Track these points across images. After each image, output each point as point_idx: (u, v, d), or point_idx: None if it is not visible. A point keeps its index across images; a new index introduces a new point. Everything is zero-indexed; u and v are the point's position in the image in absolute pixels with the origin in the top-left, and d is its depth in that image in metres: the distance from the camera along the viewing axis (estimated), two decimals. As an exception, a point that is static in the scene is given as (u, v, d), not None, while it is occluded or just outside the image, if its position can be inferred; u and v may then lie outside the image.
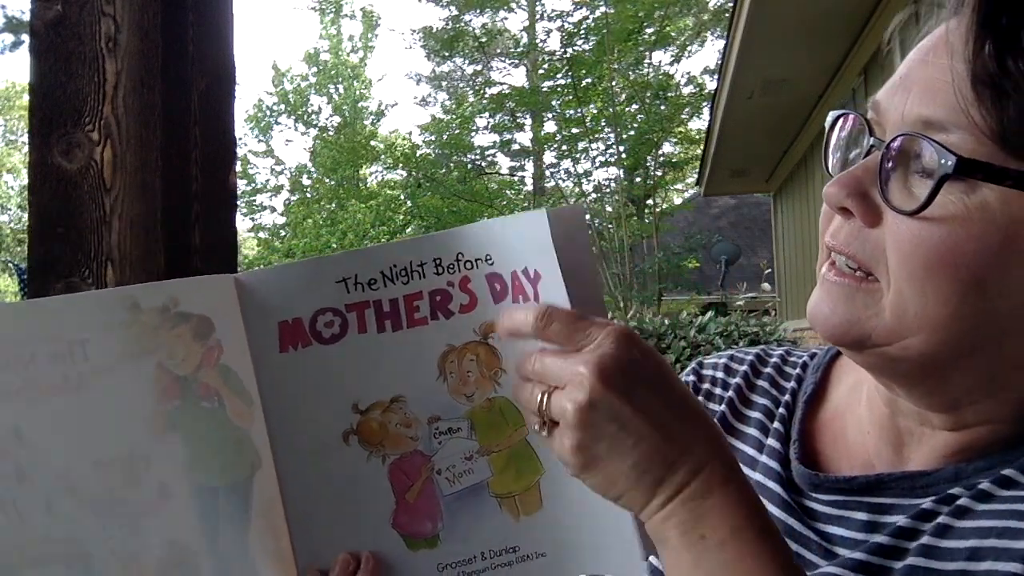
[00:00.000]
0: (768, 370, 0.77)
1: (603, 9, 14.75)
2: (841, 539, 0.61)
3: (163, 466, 0.59)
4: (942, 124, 0.51)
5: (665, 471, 0.51)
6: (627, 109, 15.63)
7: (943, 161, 0.50)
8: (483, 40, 18.25)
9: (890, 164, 0.53)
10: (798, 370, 0.76)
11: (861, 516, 0.60)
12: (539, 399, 0.53)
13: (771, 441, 0.70)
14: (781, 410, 0.72)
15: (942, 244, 0.51)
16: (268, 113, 22.57)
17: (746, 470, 0.69)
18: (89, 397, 0.58)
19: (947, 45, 0.52)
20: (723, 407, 0.76)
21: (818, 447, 0.69)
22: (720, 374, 0.79)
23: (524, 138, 18.88)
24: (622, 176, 15.16)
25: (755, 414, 0.74)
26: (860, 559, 0.57)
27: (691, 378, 0.81)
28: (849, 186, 0.55)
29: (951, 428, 0.58)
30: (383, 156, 19.94)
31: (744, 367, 0.78)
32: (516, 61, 19.00)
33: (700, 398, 0.78)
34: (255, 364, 0.61)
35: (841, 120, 0.61)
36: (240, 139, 21.81)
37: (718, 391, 0.78)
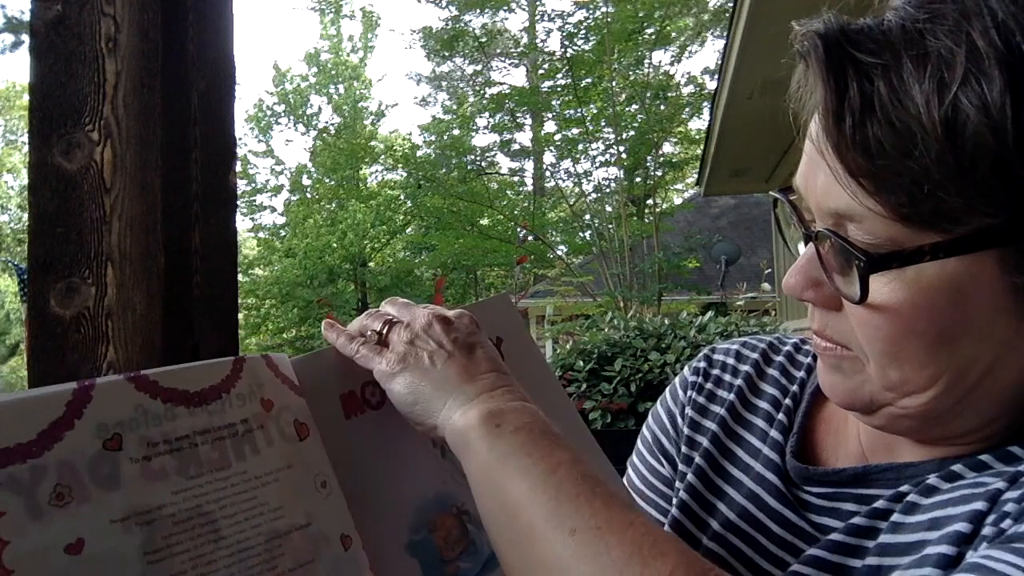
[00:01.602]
0: (780, 359, 0.78)
1: (603, 9, 14.74)
2: (830, 528, 0.62)
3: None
4: (851, 215, 0.52)
5: (468, 381, 0.62)
6: (627, 109, 15.62)
7: (858, 262, 0.52)
8: (483, 40, 18.25)
9: (827, 256, 0.55)
10: (809, 359, 0.76)
11: (849, 507, 0.62)
12: (380, 325, 0.67)
13: (774, 432, 0.71)
14: (788, 401, 0.73)
15: (896, 323, 0.52)
16: (268, 113, 22.58)
17: (750, 460, 0.71)
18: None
19: (817, 142, 0.54)
20: (732, 395, 0.76)
21: (819, 439, 0.70)
22: (731, 360, 0.79)
23: (524, 138, 18.89)
24: (622, 176, 15.15)
25: (763, 404, 0.74)
26: (838, 540, 0.58)
27: (702, 364, 0.81)
28: (801, 280, 0.58)
29: (949, 446, 0.60)
30: (383, 156, 19.95)
31: (755, 355, 0.79)
32: (516, 61, 19.01)
33: (708, 384, 0.78)
34: (322, 435, 0.64)
35: (777, 202, 0.63)
36: (240, 139, 21.83)
37: (727, 377, 0.78)
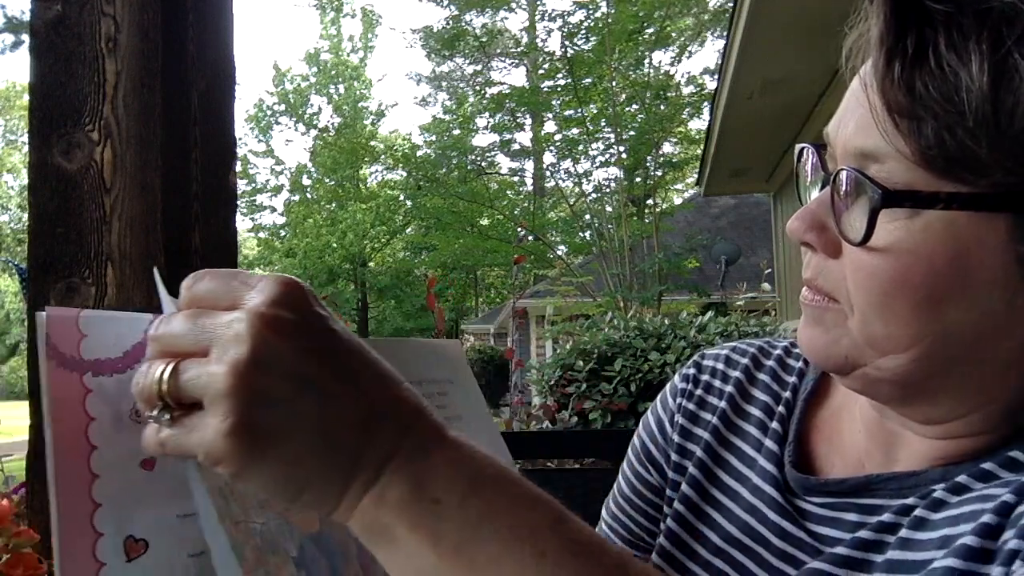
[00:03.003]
0: (771, 363, 0.77)
1: (603, 9, 14.75)
2: (832, 540, 0.61)
3: None
4: (876, 154, 0.52)
5: (365, 435, 0.41)
6: (627, 109, 15.62)
7: (871, 195, 0.52)
8: (483, 40, 18.25)
9: (839, 196, 0.55)
10: (800, 363, 0.75)
11: (852, 517, 0.61)
12: (159, 374, 0.40)
13: (768, 442, 0.70)
14: (781, 408, 0.72)
15: (893, 270, 0.52)
16: (268, 113, 22.61)
17: (745, 470, 0.70)
18: None
19: (863, 77, 0.54)
20: (724, 403, 0.75)
21: (814, 447, 0.69)
22: (720, 366, 0.78)
23: (524, 138, 18.90)
24: (622, 176, 15.16)
25: (755, 411, 0.73)
26: (844, 554, 0.57)
27: (691, 370, 0.80)
28: (806, 221, 0.58)
29: (938, 437, 0.59)
30: (383, 156, 19.96)
31: (745, 360, 0.78)
32: (516, 61, 19.01)
33: (699, 391, 0.77)
34: None
35: (804, 153, 0.63)
36: (240, 139, 21.84)
37: (717, 383, 0.77)
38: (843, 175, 0.55)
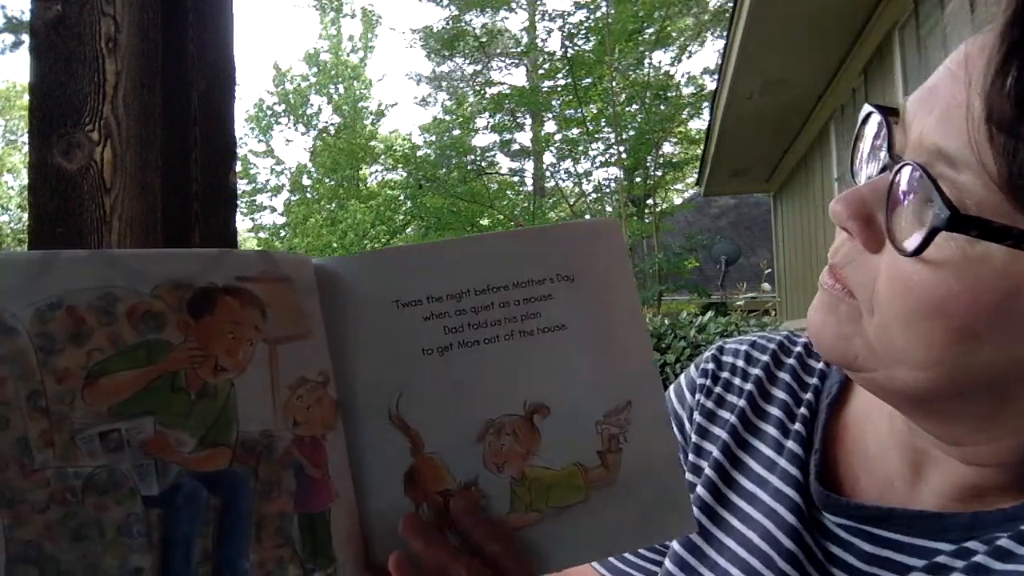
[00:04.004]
0: (791, 361, 0.73)
1: (603, 9, 14.75)
2: (841, 562, 0.59)
3: None
4: (954, 159, 0.46)
5: None
6: (627, 109, 15.62)
7: (938, 212, 0.46)
8: (483, 40, 18.24)
9: (898, 191, 0.49)
10: (822, 364, 0.72)
11: (865, 546, 0.59)
12: None
13: (791, 444, 0.67)
14: (803, 410, 0.69)
15: (935, 291, 0.47)
16: (268, 113, 22.58)
17: (763, 472, 0.67)
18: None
19: (968, 68, 0.46)
20: (743, 401, 0.72)
21: (838, 455, 0.66)
22: (740, 362, 0.75)
23: (524, 138, 18.88)
24: (622, 176, 15.16)
25: (775, 411, 0.70)
26: None
27: (710, 365, 0.76)
28: (853, 207, 0.51)
29: (965, 461, 0.56)
30: (383, 156, 19.95)
31: (766, 357, 0.74)
32: (516, 61, 19.00)
33: (717, 388, 0.74)
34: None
35: (869, 117, 0.56)
36: (240, 139, 21.83)
37: (737, 381, 0.74)
38: (908, 171, 0.48)
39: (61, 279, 0.46)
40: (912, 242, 0.47)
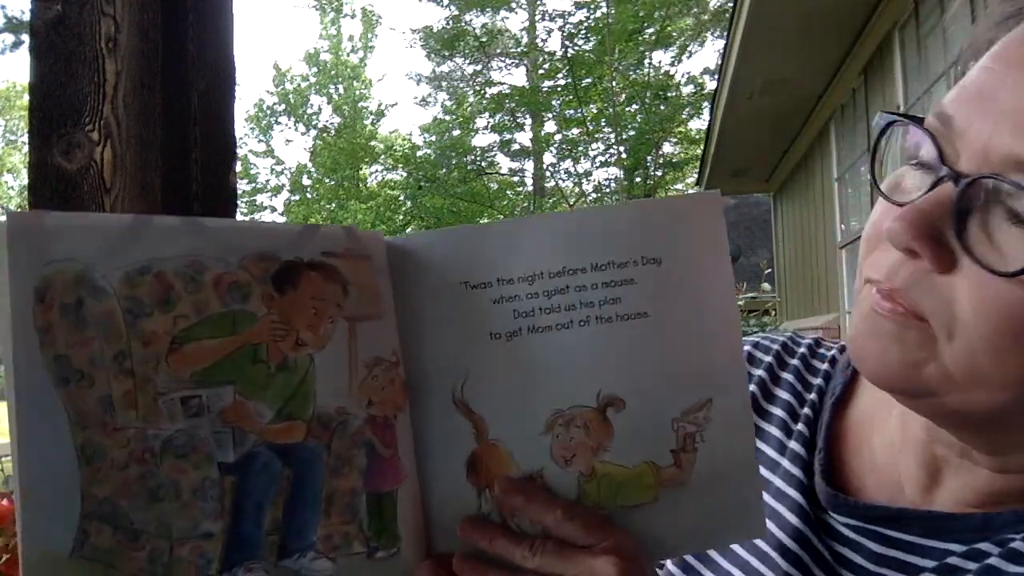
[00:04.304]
0: (795, 362, 0.73)
1: (603, 9, 14.75)
2: (850, 563, 0.59)
3: None
4: None
5: None
6: (627, 109, 15.63)
7: None
8: (483, 40, 18.25)
9: (971, 206, 0.46)
10: (826, 365, 0.71)
11: (874, 546, 0.58)
12: None
13: (793, 444, 0.66)
14: (806, 410, 0.68)
15: None
16: (268, 113, 22.59)
17: (766, 473, 0.66)
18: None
19: None
20: None
21: (842, 455, 0.65)
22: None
23: (524, 138, 18.88)
24: (622, 176, 15.16)
25: (778, 411, 0.70)
26: None
27: None
28: (916, 226, 0.47)
29: (996, 469, 0.55)
30: (383, 156, 19.96)
31: (769, 358, 0.74)
32: (516, 61, 19.00)
33: None
34: None
35: (889, 128, 0.53)
36: (240, 139, 21.85)
37: None
38: (988, 184, 0.45)
39: (151, 244, 0.46)
40: (1005, 258, 0.44)
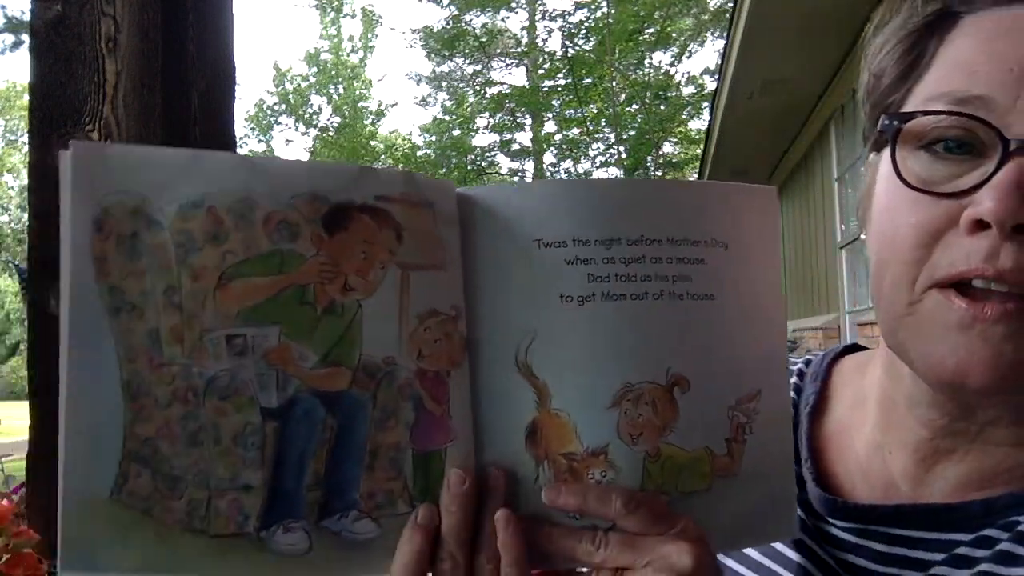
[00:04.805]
0: None
1: (603, 9, 14.75)
2: (859, 569, 0.59)
3: None
4: None
5: None
6: (627, 109, 15.63)
7: None
8: (483, 40, 18.25)
9: None
10: (794, 379, 0.72)
11: (879, 547, 0.58)
12: None
13: None
14: None
15: None
16: (268, 113, 22.59)
17: None
18: None
19: None
20: None
21: (827, 465, 0.65)
22: None
23: (524, 138, 18.88)
24: (622, 176, 15.17)
25: None
26: None
27: None
28: None
29: (1009, 443, 0.55)
30: (383, 156, 19.95)
31: None
32: (516, 61, 19.01)
33: None
34: None
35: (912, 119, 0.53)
36: (240, 139, 21.84)
37: None
38: None
39: (205, 179, 0.46)
40: None
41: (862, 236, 0.61)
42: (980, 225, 0.48)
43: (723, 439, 0.52)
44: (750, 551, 0.64)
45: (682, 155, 16.43)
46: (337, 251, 0.47)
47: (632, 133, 15.07)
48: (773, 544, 0.62)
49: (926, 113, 0.51)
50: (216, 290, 0.46)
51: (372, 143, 21.18)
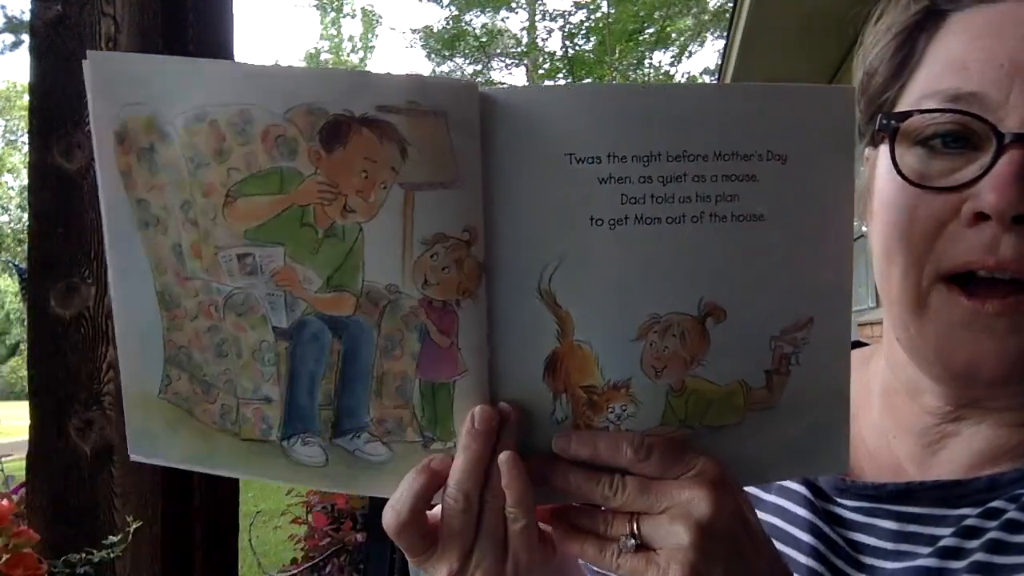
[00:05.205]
0: None
1: (603, 9, 14.77)
2: (870, 548, 0.59)
3: None
4: None
5: None
6: (627, 109, 15.65)
7: None
8: (483, 40, 18.25)
9: None
10: None
11: (889, 524, 0.59)
12: (629, 526, 0.47)
13: None
14: None
15: None
16: (268, 113, 22.63)
17: None
18: None
19: None
20: None
21: None
22: None
23: (524, 138, 18.86)
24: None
25: None
26: (925, 565, 0.55)
27: None
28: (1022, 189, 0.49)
29: (1015, 424, 0.57)
30: (383, 156, 19.96)
31: None
32: (516, 61, 19.01)
33: None
34: None
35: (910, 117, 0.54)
36: (240, 139, 21.79)
37: None
38: None
39: (205, 90, 0.44)
40: None
41: (864, 229, 0.61)
42: (980, 217, 0.50)
43: (762, 371, 0.49)
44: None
45: (682, 155, 16.45)
46: (336, 170, 0.44)
47: (632, 133, 15.08)
48: (783, 527, 0.63)
49: (922, 111, 0.53)
50: (224, 207, 0.45)
51: (372, 143, 21.20)
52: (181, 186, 0.45)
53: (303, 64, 22.56)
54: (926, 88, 0.54)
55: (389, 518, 0.48)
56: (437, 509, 0.49)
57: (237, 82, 0.44)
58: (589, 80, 15.09)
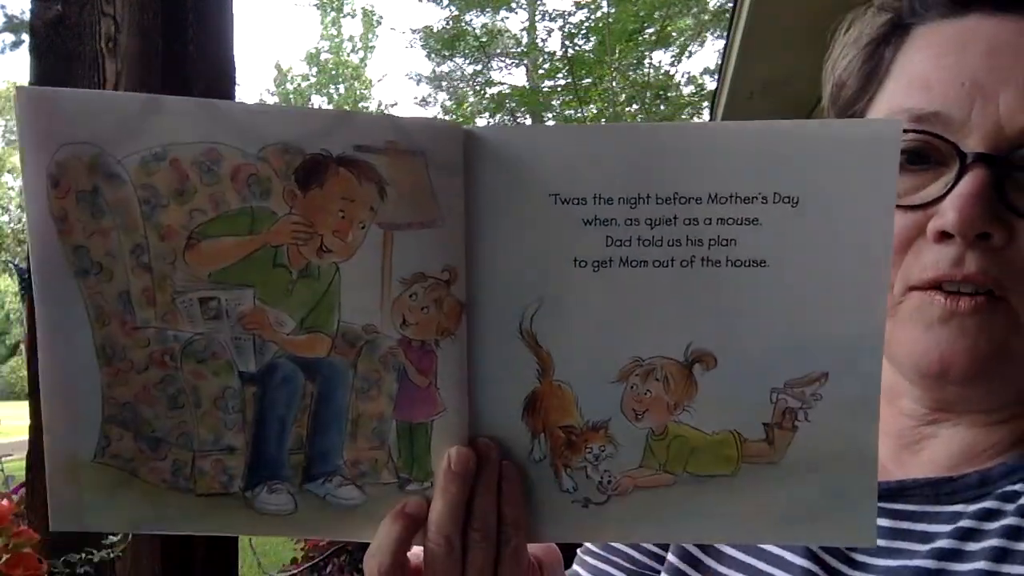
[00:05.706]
0: None
1: (603, 9, 14.76)
2: (864, 548, 0.59)
3: None
4: None
5: None
6: (627, 109, 15.64)
7: None
8: (483, 40, 18.25)
9: (1005, 178, 0.51)
10: None
11: (882, 522, 0.58)
12: None
13: None
14: None
15: None
16: (268, 113, 22.59)
17: None
18: None
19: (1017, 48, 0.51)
20: None
21: None
22: None
23: (524, 138, 18.85)
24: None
25: None
26: (920, 566, 0.55)
27: None
28: (984, 208, 0.50)
29: (986, 424, 0.58)
30: (383, 156, 19.93)
31: None
32: (516, 61, 19.01)
33: None
34: None
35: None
36: (240, 139, 21.77)
37: None
38: (1018, 156, 0.51)
39: (166, 128, 0.42)
40: None
41: None
42: (945, 235, 0.52)
43: (760, 423, 0.47)
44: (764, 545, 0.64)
45: (682, 155, 16.44)
46: (312, 209, 0.43)
47: (632, 133, 15.08)
48: None
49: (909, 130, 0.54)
50: (185, 250, 0.44)
51: (372, 143, 21.17)
52: (132, 229, 0.43)
53: (302, 63, 22.58)
54: (892, 105, 0.56)
55: (371, 567, 0.47)
56: (418, 549, 0.48)
57: (203, 120, 0.43)
58: (589, 80, 15.10)
